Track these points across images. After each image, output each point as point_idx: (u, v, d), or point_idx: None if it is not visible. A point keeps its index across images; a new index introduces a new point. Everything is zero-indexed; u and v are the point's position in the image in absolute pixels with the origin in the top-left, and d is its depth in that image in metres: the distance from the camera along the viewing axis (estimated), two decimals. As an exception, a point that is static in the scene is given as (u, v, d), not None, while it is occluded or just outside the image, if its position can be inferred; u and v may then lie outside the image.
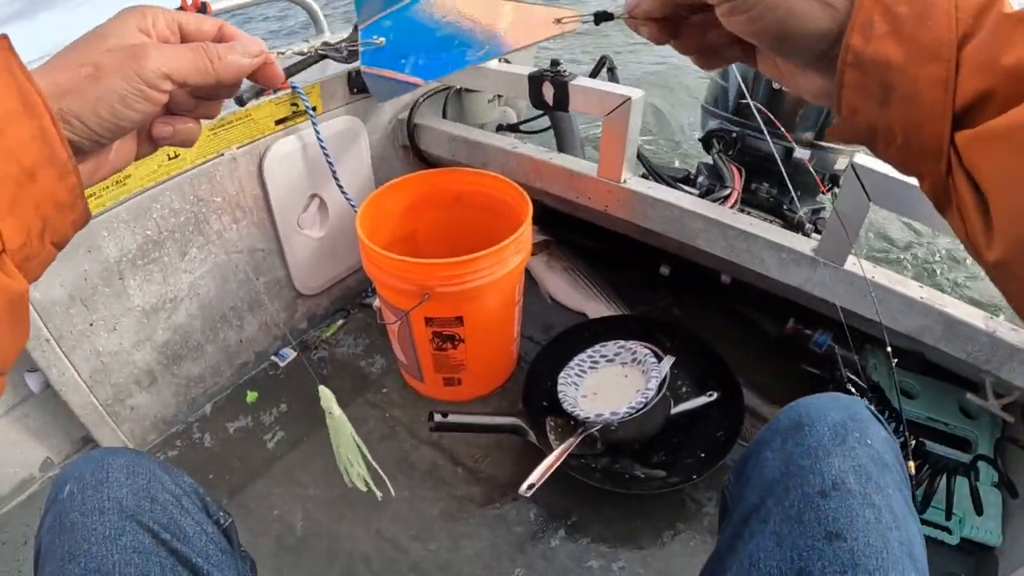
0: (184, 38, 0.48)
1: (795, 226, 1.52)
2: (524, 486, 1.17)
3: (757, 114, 1.35)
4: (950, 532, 1.16)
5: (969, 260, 2.97)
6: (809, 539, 0.61)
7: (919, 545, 0.62)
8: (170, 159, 1.26)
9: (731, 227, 1.26)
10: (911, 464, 0.91)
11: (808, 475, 0.65)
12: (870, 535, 0.59)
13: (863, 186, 1.05)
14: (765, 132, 1.26)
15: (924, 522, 1.13)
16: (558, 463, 1.21)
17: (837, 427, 0.69)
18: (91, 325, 1.26)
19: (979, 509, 1.11)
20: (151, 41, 0.45)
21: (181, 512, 0.73)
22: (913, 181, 1.00)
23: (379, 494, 1.04)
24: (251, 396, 1.54)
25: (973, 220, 0.38)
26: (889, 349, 1.02)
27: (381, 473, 1.05)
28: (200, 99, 0.52)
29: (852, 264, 1.16)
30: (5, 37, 0.39)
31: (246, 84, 1.24)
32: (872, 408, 0.74)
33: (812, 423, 0.70)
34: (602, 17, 0.55)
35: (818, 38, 0.41)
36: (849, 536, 0.59)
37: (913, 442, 1.09)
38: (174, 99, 0.50)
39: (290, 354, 1.65)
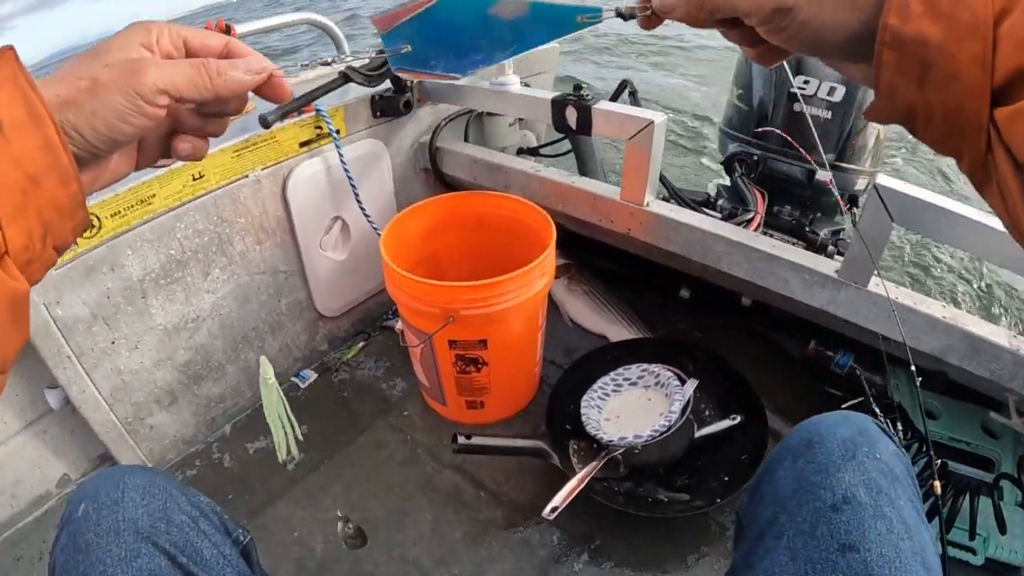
0: (189, 53, 0.49)
1: (818, 248, 1.52)
2: (548, 509, 1.16)
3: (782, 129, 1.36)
4: (974, 552, 1.14)
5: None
6: (823, 552, 0.62)
7: (932, 554, 0.63)
8: (195, 180, 1.27)
9: (755, 249, 1.26)
10: (937, 483, 0.91)
11: (820, 490, 0.67)
12: (883, 546, 0.60)
13: (885, 206, 1.05)
14: (795, 150, 1.26)
15: (948, 543, 1.12)
16: (581, 486, 1.20)
17: (846, 443, 0.70)
18: (113, 343, 1.26)
19: (1003, 528, 1.10)
20: (151, 57, 0.46)
21: (198, 534, 0.72)
22: (937, 200, 1.01)
23: (295, 456, 1.22)
24: (271, 418, 1.53)
25: (1014, 196, 0.38)
26: (913, 368, 1.01)
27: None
28: (207, 116, 0.53)
29: (875, 285, 1.15)
30: (11, 48, 0.41)
31: (270, 106, 1.26)
32: (880, 423, 0.75)
33: (822, 440, 0.72)
34: (625, 15, 0.55)
35: (852, 41, 0.42)
36: (862, 548, 0.60)
37: (938, 463, 1.08)
38: (179, 116, 0.52)
39: (311, 376, 1.65)
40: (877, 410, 1.21)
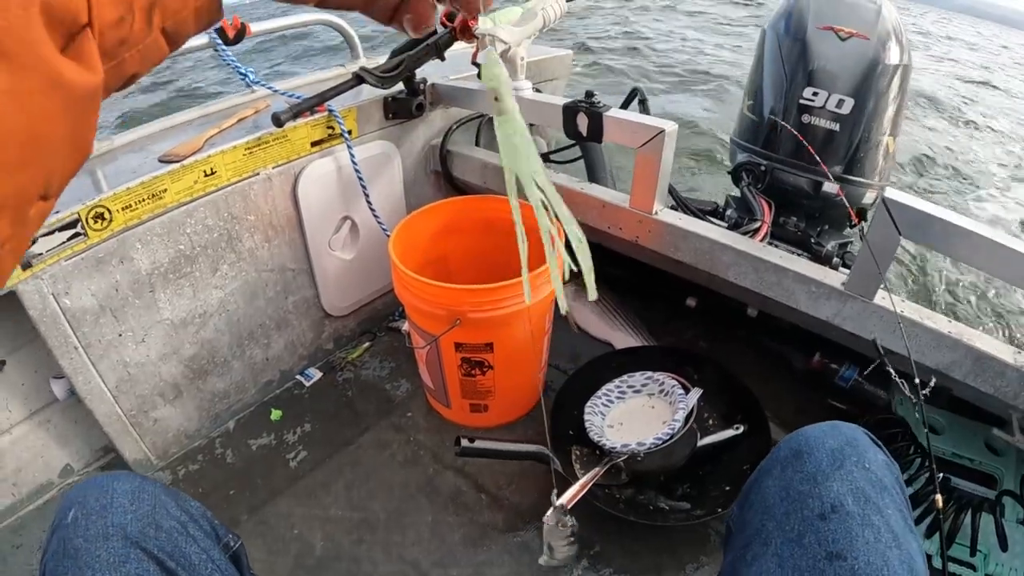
0: None
1: (823, 260, 1.52)
2: (557, 504, 1.16)
3: (790, 140, 1.36)
4: (974, 569, 1.14)
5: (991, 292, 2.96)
6: (810, 560, 0.62)
7: (920, 563, 0.63)
8: (206, 176, 1.28)
9: (762, 260, 1.26)
10: (938, 498, 0.91)
11: (807, 499, 0.67)
12: (870, 554, 0.60)
13: (893, 220, 1.05)
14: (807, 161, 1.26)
15: (948, 559, 1.11)
16: (583, 492, 1.20)
17: (835, 453, 0.70)
18: (120, 335, 1.27)
19: (1004, 546, 1.10)
20: None
21: (186, 539, 0.72)
22: (946, 215, 1.01)
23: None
24: (275, 414, 1.54)
25: None
26: (917, 382, 1.01)
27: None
28: None
29: (882, 298, 1.15)
30: None
31: (284, 106, 1.27)
32: (870, 434, 0.75)
33: (811, 450, 0.72)
34: None
35: None
36: (849, 556, 0.60)
37: (940, 476, 1.08)
38: None
39: (316, 374, 1.66)
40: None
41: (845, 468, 0.68)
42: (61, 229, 1.10)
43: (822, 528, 0.63)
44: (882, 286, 1.14)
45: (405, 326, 1.57)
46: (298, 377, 1.65)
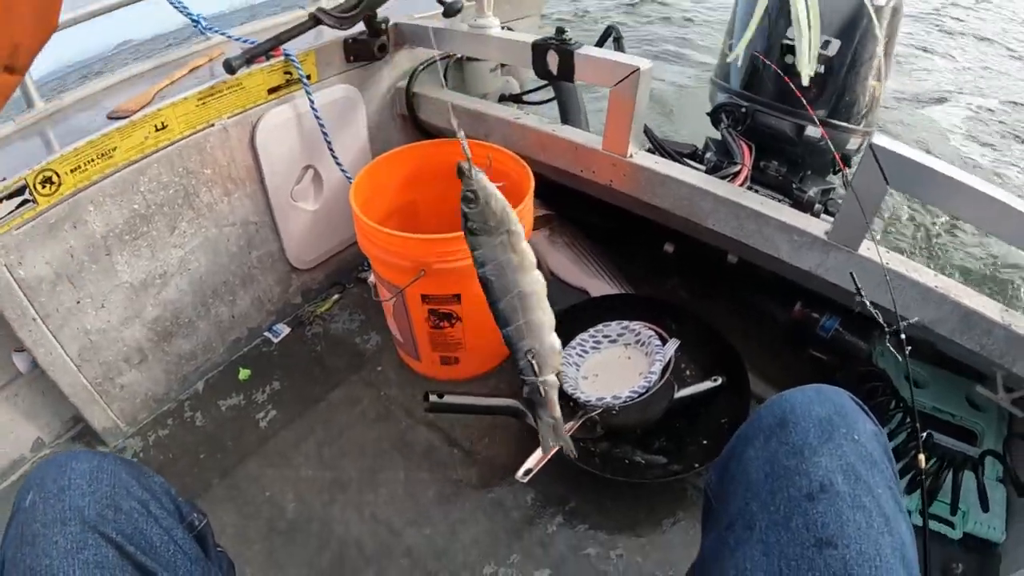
0: None
1: (804, 206, 1.47)
2: (520, 472, 1.14)
3: (772, 81, 1.30)
4: (953, 527, 1.13)
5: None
6: (798, 547, 0.59)
7: (911, 546, 0.61)
8: (157, 131, 1.22)
9: (743, 207, 1.21)
10: (922, 458, 0.88)
11: (794, 476, 0.63)
12: (862, 542, 0.57)
13: (881, 168, 1.00)
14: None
15: (929, 515, 1.10)
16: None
17: (823, 423, 0.66)
18: (78, 303, 1.22)
19: (985, 506, 1.09)
20: None
21: (147, 520, 0.70)
22: (936, 165, 0.96)
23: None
24: (244, 373, 1.51)
25: None
26: (903, 337, 0.97)
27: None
28: None
29: (867, 249, 1.11)
30: None
31: (236, 51, 1.20)
32: (857, 400, 0.71)
33: (796, 419, 0.68)
34: None
35: None
36: (840, 543, 0.57)
37: (924, 435, 1.06)
38: None
39: (284, 330, 1.62)
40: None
41: (834, 441, 0.64)
42: (8, 197, 1.05)
43: (810, 510, 0.60)
44: (867, 236, 1.09)
45: (372, 277, 1.52)
46: (266, 334, 1.61)
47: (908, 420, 1.01)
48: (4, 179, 1.04)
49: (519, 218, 1.19)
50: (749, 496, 0.66)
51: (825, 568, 0.56)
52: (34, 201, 1.08)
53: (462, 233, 1.14)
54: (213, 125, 1.30)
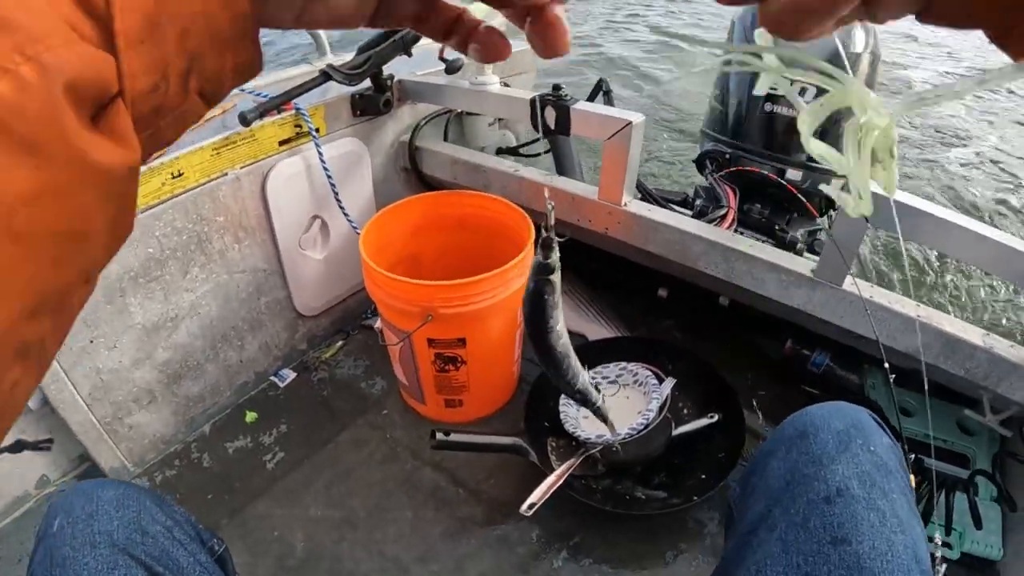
0: None
1: (787, 246, 1.53)
2: (525, 505, 1.17)
3: (755, 129, 1.36)
4: (951, 547, 1.17)
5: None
6: (815, 544, 0.62)
7: (924, 549, 0.64)
8: (173, 178, 1.27)
9: (732, 249, 1.27)
10: (912, 477, 0.92)
11: (813, 482, 0.67)
12: (875, 539, 0.60)
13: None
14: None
15: (927, 539, 1.14)
16: (559, 483, 1.21)
17: (840, 435, 0.71)
18: (91, 342, 1.25)
19: (978, 523, 1.13)
20: None
21: (173, 543, 0.72)
22: (912, 201, 1.02)
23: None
24: (250, 416, 1.53)
25: None
26: (887, 365, 1.02)
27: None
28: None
29: (850, 284, 1.17)
30: None
31: (251, 105, 1.26)
32: (875, 416, 0.76)
33: (816, 431, 0.72)
34: None
35: None
36: (854, 540, 0.61)
37: (912, 457, 1.10)
38: None
39: (290, 375, 1.65)
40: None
41: (851, 451, 0.68)
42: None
43: (827, 512, 0.64)
44: (849, 272, 1.16)
45: (378, 323, 1.56)
46: (272, 378, 1.64)
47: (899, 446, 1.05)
48: None
49: (522, 265, 1.26)
50: (771, 502, 0.70)
51: (839, 562, 0.60)
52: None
53: (467, 280, 1.20)
54: (226, 174, 1.35)
